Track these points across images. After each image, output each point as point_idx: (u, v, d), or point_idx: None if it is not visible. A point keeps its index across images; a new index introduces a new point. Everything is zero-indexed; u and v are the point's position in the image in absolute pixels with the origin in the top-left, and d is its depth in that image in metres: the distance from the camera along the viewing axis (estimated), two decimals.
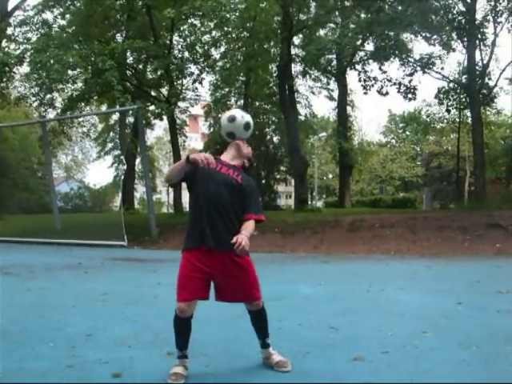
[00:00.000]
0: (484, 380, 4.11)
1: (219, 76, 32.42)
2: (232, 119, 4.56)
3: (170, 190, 42.46)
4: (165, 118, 28.09)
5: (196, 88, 28.93)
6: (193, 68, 28.65)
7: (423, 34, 25.67)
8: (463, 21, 24.08)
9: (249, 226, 4.32)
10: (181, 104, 29.29)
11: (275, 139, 36.45)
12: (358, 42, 27.19)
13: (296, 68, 33.44)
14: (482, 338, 5.49)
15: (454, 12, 24.38)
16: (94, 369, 4.52)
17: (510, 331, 5.77)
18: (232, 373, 4.42)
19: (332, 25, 32.99)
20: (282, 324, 6.15)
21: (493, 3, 24.96)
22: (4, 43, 29.32)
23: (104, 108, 37.93)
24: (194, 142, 60.06)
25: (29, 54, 23.03)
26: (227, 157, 4.61)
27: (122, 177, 35.76)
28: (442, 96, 29.60)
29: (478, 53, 25.91)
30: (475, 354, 4.88)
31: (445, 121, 37.49)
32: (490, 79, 27.71)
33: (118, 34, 29.36)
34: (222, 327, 6.23)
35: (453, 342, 5.31)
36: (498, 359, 4.67)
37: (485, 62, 26.22)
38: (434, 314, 6.79)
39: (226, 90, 35.02)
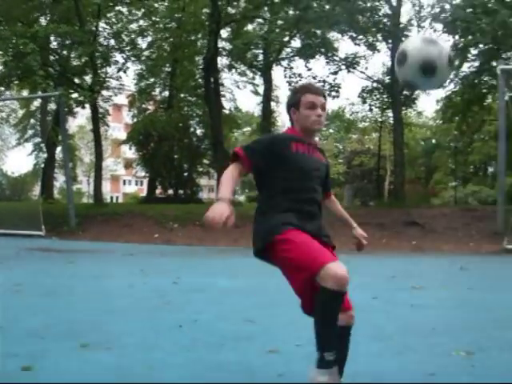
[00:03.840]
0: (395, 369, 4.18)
1: (145, 66, 32.10)
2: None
3: (91, 180, 41.92)
4: (87, 106, 27.67)
5: (120, 77, 28.69)
6: (118, 56, 28.45)
7: (349, 34, 26.04)
8: (388, 23, 24.57)
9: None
10: (104, 93, 28.93)
11: (199, 132, 36.33)
12: (286, 39, 27.41)
13: (222, 61, 33.42)
14: (396, 331, 5.59)
15: (380, 14, 24.87)
16: (2, 362, 4.39)
17: (421, 325, 5.90)
18: (145, 364, 4.35)
19: (260, 20, 33.05)
20: (199, 316, 6.13)
21: (417, 8, 25.65)
22: None
23: (25, 93, 37.07)
24: (117, 132, 59.29)
25: None
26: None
27: (42, 165, 35.09)
28: (365, 95, 30.17)
29: None
30: (388, 346, 4.96)
31: (367, 120, 38.27)
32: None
33: (42, 17, 28.68)
34: (138, 318, 6.16)
35: (367, 335, 5.38)
36: (409, 352, 4.77)
37: None
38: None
39: (151, 80, 34.74)
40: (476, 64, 30.48)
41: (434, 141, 59.36)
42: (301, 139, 3.55)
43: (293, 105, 3.58)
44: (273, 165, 3.39)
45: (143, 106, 37.35)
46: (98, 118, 28.72)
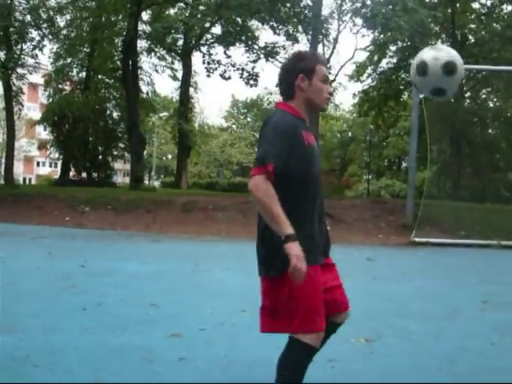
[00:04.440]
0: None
1: (62, 45, 31.40)
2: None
3: (3, 160, 40.81)
4: (0, 83, 26.95)
5: (36, 55, 27.90)
6: (34, 33, 27.60)
7: (270, 23, 26.10)
8: (309, 15, 24.76)
9: None
10: (19, 70, 28.14)
11: (115, 115, 35.75)
12: (207, 25, 27.27)
13: (142, 44, 33.00)
14: None
15: (302, 5, 25.00)
16: None
17: None
18: (45, 346, 4.30)
19: (182, 4, 32.76)
20: (105, 300, 6.12)
21: (339, 2, 25.97)
22: None
23: None
24: (32, 112, 57.80)
25: None
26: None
27: None
28: None
29: (320, 47, 26.81)
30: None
31: None
32: (330, 73, 28.82)
33: None
34: (42, 300, 6.08)
35: None
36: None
37: (327, 56, 27.19)
38: (254, 294, 6.94)
39: (69, 60, 33.99)
40: (394, 60, 31.27)
41: (350, 134, 60.54)
42: (306, 124, 2.92)
43: (303, 71, 2.86)
44: (288, 165, 2.72)
45: (59, 86, 36.50)
46: (11, 97, 27.98)
